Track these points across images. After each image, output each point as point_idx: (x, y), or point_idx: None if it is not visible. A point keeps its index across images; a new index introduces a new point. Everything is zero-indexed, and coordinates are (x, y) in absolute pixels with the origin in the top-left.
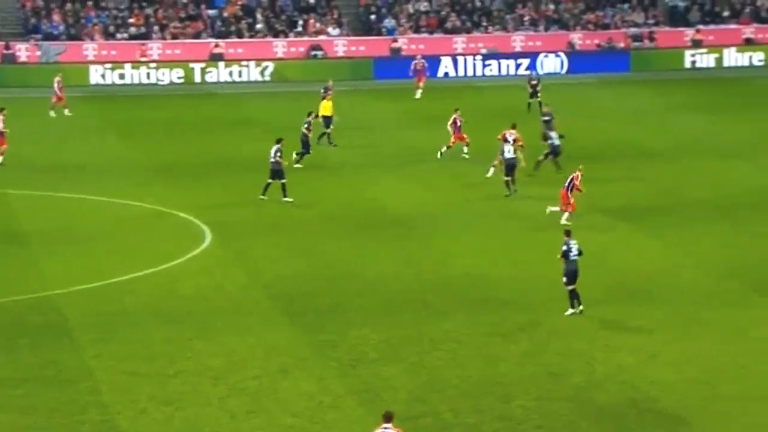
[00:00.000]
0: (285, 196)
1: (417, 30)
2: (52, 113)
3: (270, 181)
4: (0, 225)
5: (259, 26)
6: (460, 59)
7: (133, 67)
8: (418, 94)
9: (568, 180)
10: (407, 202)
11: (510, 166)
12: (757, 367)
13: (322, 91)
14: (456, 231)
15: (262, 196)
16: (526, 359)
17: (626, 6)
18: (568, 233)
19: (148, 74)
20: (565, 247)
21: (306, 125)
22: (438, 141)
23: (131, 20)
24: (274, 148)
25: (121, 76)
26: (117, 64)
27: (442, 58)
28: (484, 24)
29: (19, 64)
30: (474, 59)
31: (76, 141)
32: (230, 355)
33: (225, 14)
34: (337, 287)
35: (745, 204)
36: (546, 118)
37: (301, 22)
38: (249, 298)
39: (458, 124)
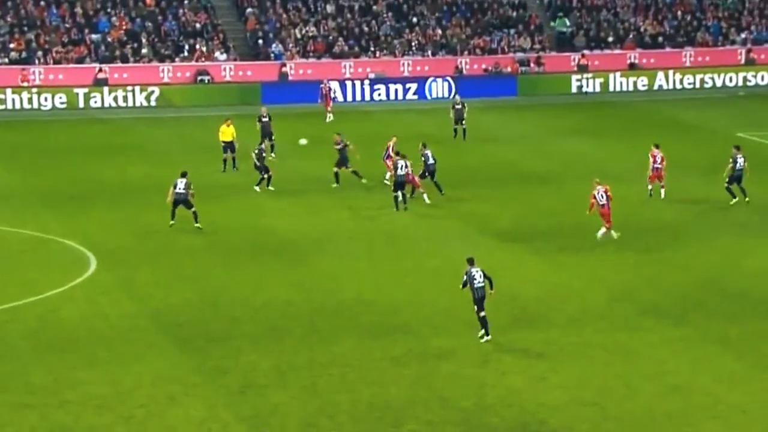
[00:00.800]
0: (196, 222)
1: (305, 55)
2: None
3: (188, 209)
4: None
5: (144, 51)
6: (348, 84)
7: (13, 92)
8: (329, 117)
9: (603, 197)
10: (295, 227)
11: (399, 183)
12: (645, 387)
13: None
14: (345, 256)
15: (197, 225)
16: (416, 383)
17: (513, 31)
18: (471, 262)
19: (29, 99)
20: (465, 277)
21: (257, 152)
22: (323, 167)
23: (11, 45)
24: (183, 182)
25: (1, 102)
26: None
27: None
28: (372, 49)
29: None
30: (362, 84)
31: None
32: (116, 384)
33: (109, 39)
34: (226, 313)
35: (631, 227)
36: (339, 146)
37: (187, 47)
38: (135, 325)
39: (389, 151)
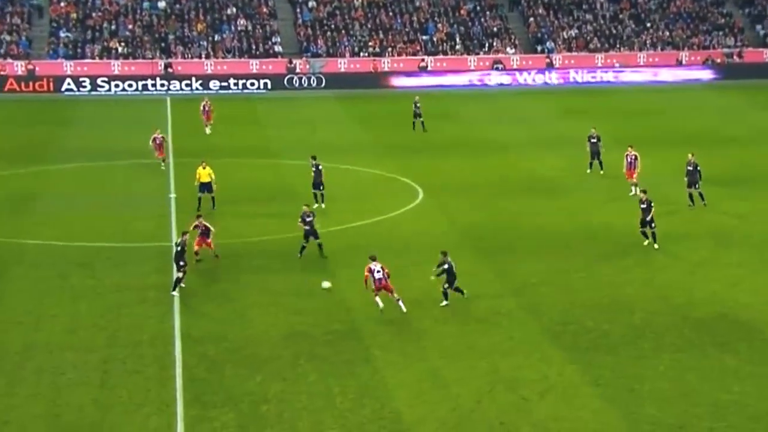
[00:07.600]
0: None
1: None
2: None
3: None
4: (275, 184)
5: None
6: None
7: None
8: None
9: None
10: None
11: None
12: None
13: None
14: None
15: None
16: None
17: None
18: (444, 254)
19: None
20: (440, 268)
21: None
22: None
23: (370, 43)
24: None
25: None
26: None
27: None
28: None
29: (295, 74)
30: None
31: (331, 126)
32: (428, 275)
33: None
34: (513, 232)
35: None
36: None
37: None
38: (448, 238)
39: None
